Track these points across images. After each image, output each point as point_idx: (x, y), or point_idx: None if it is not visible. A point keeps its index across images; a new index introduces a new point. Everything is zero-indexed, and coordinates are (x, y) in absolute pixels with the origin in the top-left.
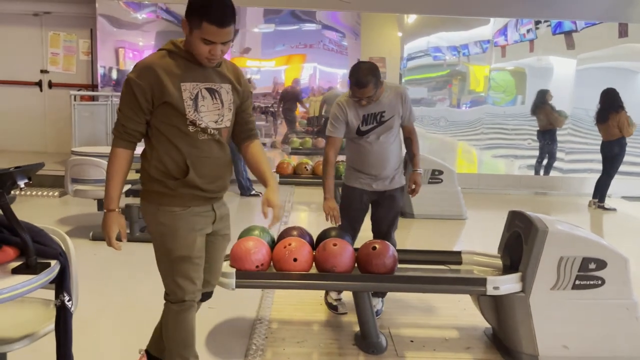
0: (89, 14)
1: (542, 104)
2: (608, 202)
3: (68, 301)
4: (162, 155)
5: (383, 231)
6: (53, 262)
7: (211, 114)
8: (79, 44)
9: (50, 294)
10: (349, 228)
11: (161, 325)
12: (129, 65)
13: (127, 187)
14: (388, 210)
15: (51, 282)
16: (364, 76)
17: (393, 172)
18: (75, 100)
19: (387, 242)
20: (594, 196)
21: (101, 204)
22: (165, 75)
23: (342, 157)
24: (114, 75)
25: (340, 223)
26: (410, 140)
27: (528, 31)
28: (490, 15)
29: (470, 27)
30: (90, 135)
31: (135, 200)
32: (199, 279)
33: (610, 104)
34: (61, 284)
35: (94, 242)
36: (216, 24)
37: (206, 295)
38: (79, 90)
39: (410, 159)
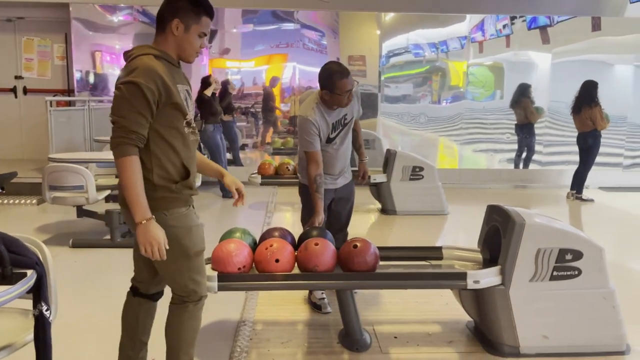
0: (63, 19)
1: (521, 97)
2: (585, 193)
3: (46, 310)
4: (163, 161)
5: (343, 222)
6: (29, 272)
7: (190, 114)
8: (53, 49)
9: (29, 304)
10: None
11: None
12: (106, 69)
13: (106, 192)
14: (347, 201)
15: (28, 292)
16: (342, 67)
17: (348, 166)
18: (51, 105)
19: (367, 240)
20: (572, 188)
21: (81, 211)
22: (166, 77)
23: None
24: (91, 79)
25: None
26: (356, 132)
27: (504, 26)
28: (466, 12)
29: (447, 24)
30: (68, 141)
31: (115, 206)
32: (206, 272)
33: (585, 97)
34: (38, 293)
35: (74, 249)
36: (212, 16)
37: (160, 294)
38: (54, 96)
39: (357, 150)
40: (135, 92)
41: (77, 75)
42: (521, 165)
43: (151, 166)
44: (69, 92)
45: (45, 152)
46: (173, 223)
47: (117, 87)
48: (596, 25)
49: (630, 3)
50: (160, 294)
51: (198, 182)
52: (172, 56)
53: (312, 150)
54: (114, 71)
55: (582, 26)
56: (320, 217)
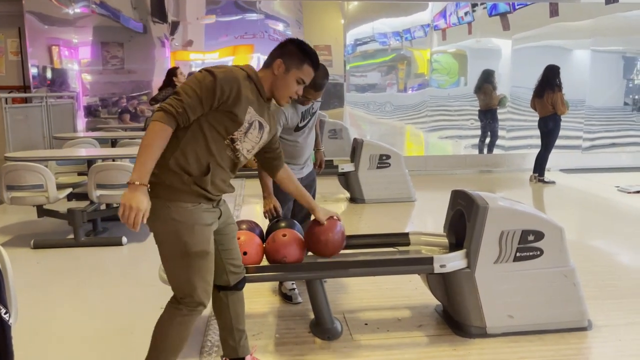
0: (15, 12)
1: (484, 83)
2: (547, 176)
3: (5, 314)
4: (188, 149)
5: (306, 211)
6: None
7: (249, 143)
8: (7, 44)
9: None
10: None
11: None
12: (65, 64)
13: (68, 190)
14: (309, 188)
15: None
16: (322, 79)
17: (310, 155)
18: (7, 103)
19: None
20: (535, 171)
21: (41, 211)
22: (244, 90)
23: None
24: (49, 74)
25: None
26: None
27: (465, 14)
28: (427, 0)
29: (410, 12)
30: (26, 139)
31: (77, 204)
32: (212, 282)
33: (548, 82)
34: None
35: (35, 250)
36: (316, 67)
37: (243, 282)
38: (9, 93)
39: (314, 139)
40: (209, 82)
41: (33, 70)
42: (485, 151)
43: (174, 148)
44: (25, 88)
45: (2, 151)
46: (176, 217)
47: (200, 70)
48: (554, 11)
49: None
50: (243, 281)
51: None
52: (264, 89)
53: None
54: (72, 66)
55: (540, 12)
56: (271, 200)
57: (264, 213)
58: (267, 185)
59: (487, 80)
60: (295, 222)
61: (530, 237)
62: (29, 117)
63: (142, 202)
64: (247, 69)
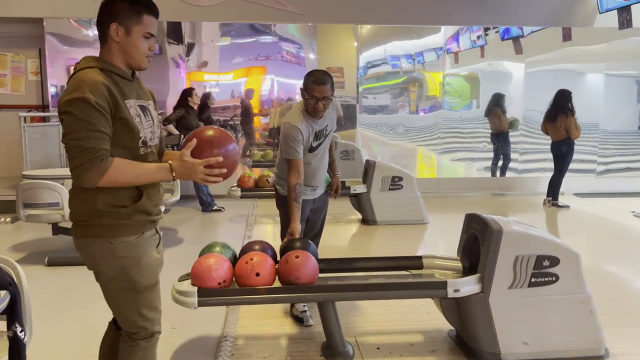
0: (37, 34)
1: (494, 107)
2: (561, 200)
3: (20, 332)
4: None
5: (317, 230)
6: (2, 293)
7: (147, 131)
8: (27, 64)
9: (3, 325)
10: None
11: None
12: None
13: None
14: (321, 210)
15: (2, 313)
16: (323, 75)
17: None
18: (25, 121)
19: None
20: (548, 194)
21: (56, 228)
22: (114, 90)
23: None
24: None
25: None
26: (331, 146)
27: (478, 37)
28: (440, 24)
29: (422, 35)
30: (43, 158)
31: None
32: (160, 308)
33: (560, 106)
34: (12, 314)
35: (50, 268)
36: (155, 13)
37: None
38: (28, 112)
39: (331, 164)
40: (88, 109)
41: (51, 90)
42: (498, 174)
43: (95, 190)
44: (44, 107)
45: (20, 169)
46: (120, 253)
47: (64, 109)
48: (567, 36)
49: (600, 13)
50: None
51: (174, 199)
52: (120, 67)
53: (295, 159)
54: None
55: (553, 36)
56: (297, 227)
57: (287, 235)
58: (296, 216)
59: (497, 104)
60: (310, 242)
61: (546, 263)
62: (46, 136)
63: (191, 161)
64: (95, 63)
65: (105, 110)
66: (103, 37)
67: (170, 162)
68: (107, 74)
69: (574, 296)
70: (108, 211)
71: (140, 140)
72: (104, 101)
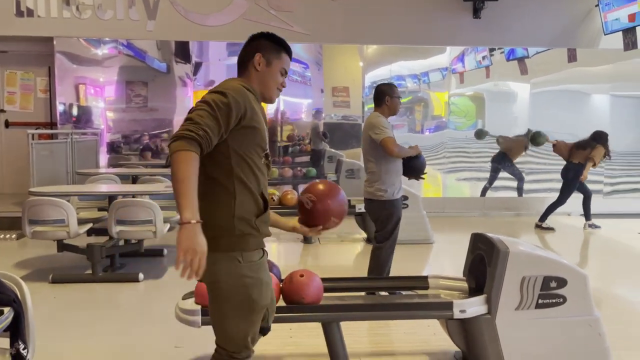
0: (46, 52)
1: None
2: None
3: (23, 349)
4: (247, 187)
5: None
6: (6, 310)
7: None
8: (36, 82)
9: (6, 342)
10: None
11: None
12: (90, 102)
13: (88, 225)
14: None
15: (5, 330)
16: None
17: None
18: (33, 139)
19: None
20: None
21: (61, 245)
22: (254, 103)
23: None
24: (75, 111)
25: None
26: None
27: (483, 58)
28: (446, 44)
29: (428, 55)
30: (50, 175)
31: (97, 240)
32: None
33: (597, 141)
34: (16, 331)
35: (54, 284)
36: (291, 55)
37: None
38: (37, 129)
39: None
40: (221, 101)
41: (60, 108)
42: (487, 194)
43: (234, 192)
44: (52, 125)
45: (27, 185)
46: (247, 273)
47: (203, 98)
48: (572, 57)
49: (605, 35)
50: (267, 329)
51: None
52: (257, 92)
53: (389, 136)
54: (97, 104)
55: (558, 57)
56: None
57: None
58: (413, 148)
59: (532, 139)
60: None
61: (553, 284)
62: (54, 153)
63: (203, 244)
64: (240, 81)
65: (237, 109)
66: (244, 66)
67: (194, 221)
68: (249, 91)
69: (582, 318)
70: (243, 217)
71: (264, 152)
72: (242, 102)
